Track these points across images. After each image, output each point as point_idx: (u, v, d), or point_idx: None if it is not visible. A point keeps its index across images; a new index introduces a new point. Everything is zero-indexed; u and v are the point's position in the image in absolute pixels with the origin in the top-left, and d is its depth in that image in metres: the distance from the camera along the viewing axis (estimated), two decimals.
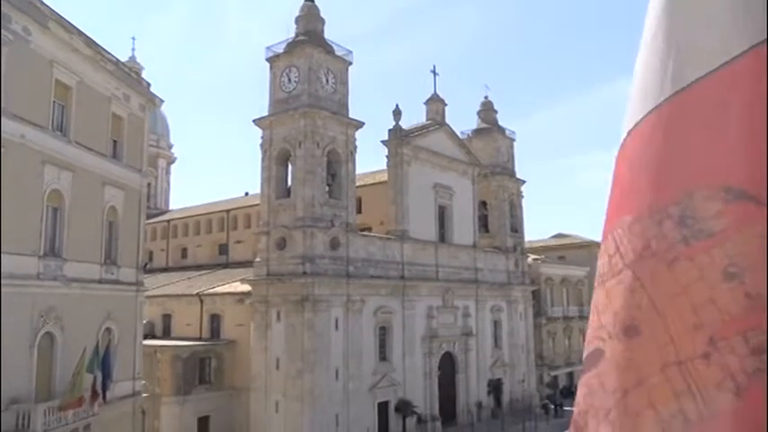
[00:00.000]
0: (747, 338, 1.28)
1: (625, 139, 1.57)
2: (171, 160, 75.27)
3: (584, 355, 1.57)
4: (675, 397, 1.35)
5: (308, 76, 38.39)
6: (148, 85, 30.36)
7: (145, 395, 29.60)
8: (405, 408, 40.49)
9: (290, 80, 39.24)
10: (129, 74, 28.85)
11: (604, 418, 1.48)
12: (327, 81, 39.65)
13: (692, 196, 1.39)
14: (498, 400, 50.24)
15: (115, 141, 27.03)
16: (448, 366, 46.21)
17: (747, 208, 1.32)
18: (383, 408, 39.88)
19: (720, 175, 1.35)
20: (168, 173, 74.85)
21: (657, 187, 1.45)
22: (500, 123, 57.94)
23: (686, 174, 1.41)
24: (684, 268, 1.37)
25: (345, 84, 40.99)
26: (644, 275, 1.43)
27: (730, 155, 1.35)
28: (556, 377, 60.28)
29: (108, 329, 25.66)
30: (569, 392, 58.84)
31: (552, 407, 51.32)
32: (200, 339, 40.85)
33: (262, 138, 39.90)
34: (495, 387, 50.16)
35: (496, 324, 52.29)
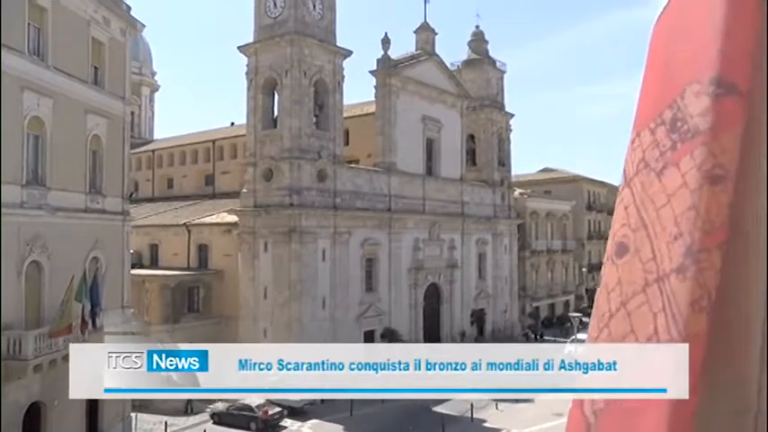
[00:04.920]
0: (726, 252, 1.19)
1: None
2: (154, 88, 73.53)
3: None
4: (653, 318, 1.28)
5: (294, 0, 37.14)
6: (129, 8, 29.18)
7: None
8: (390, 336, 41.58)
9: (275, 5, 37.95)
10: None
11: (595, 339, 1.45)
12: (314, 6, 38.40)
13: (684, 95, 1.31)
14: (481, 330, 51.71)
15: (96, 68, 26.21)
16: (433, 297, 47.21)
17: (735, 104, 1.24)
18: (369, 336, 40.93)
19: (711, 68, 1.27)
20: (152, 101, 73.26)
21: (659, 92, 1.38)
22: (491, 55, 56.91)
23: (683, 71, 1.34)
24: (671, 176, 1.29)
25: (333, 10, 39.74)
26: (636, 189, 1.37)
27: (723, 46, 1.26)
28: (537, 308, 61.88)
29: (95, 258, 25.70)
30: (550, 323, 60.65)
31: (533, 336, 52.92)
32: (187, 269, 41.19)
33: (247, 66, 38.95)
34: (479, 317, 51.52)
35: (481, 256, 53.13)
